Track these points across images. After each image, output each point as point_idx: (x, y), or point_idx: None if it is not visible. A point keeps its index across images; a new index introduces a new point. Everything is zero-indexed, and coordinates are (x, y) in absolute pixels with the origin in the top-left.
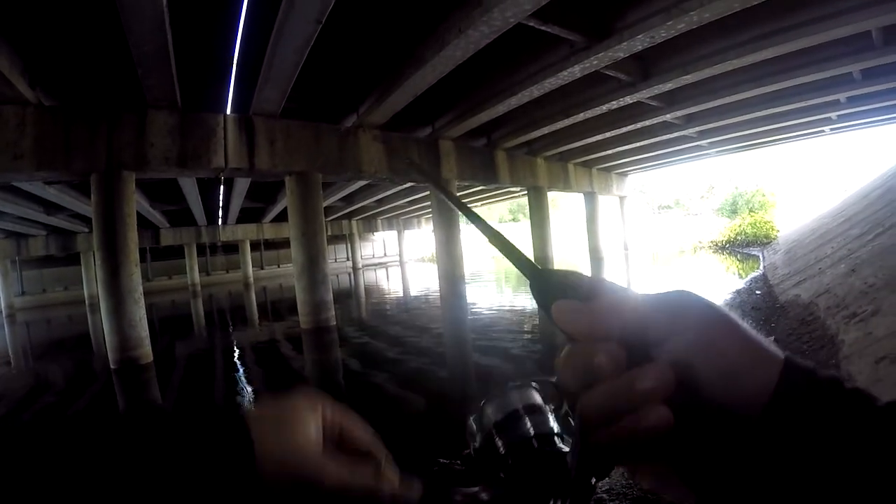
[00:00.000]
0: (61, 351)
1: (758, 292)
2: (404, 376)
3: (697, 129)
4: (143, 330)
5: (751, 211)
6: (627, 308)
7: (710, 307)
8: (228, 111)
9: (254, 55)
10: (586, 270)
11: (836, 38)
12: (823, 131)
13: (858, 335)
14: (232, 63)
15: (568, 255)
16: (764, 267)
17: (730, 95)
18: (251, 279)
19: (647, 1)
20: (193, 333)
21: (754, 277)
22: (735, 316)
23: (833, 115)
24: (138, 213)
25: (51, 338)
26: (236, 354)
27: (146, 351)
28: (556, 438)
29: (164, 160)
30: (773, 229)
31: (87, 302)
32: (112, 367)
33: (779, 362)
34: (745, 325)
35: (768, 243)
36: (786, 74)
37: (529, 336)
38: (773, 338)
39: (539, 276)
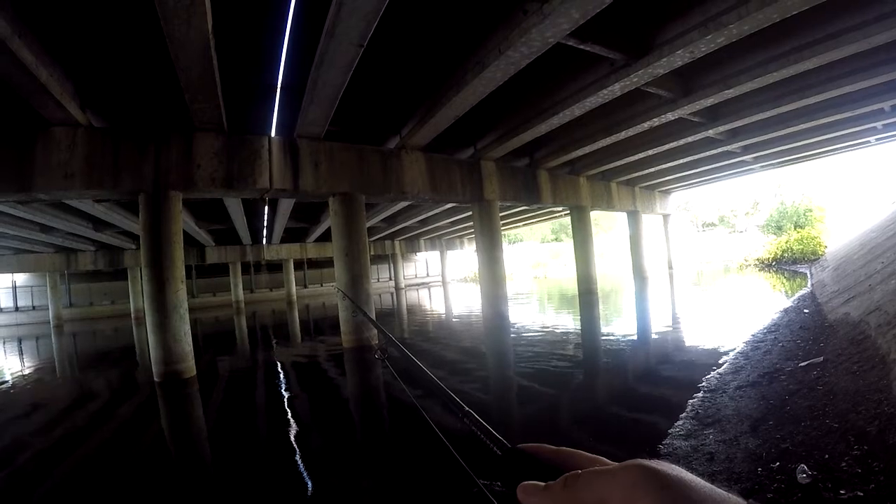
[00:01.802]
0: (106, 362)
1: (806, 311)
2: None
3: (741, 144)
4: (187, 345)
5: (797, 227)
6: (585, 485)
7: (664, 476)
8: (273, 134)
9: (297, 79)
10: (630, 290)
11: (877, 45)
12: (869, 142)
13: None
14: (276, 87)
15: (612, 275)
16: (812, 284)
17: (772, 109)
18: (294, 297)
19: (685, 16)
20: (236, 349)
21: (802, 295)
22: (691, 478)
23: (878, 124)
24: (185, 232)
25: (96, 349)
26: (278, 371)
27: (189, 365)
28: None
29: (210, 181)
30: (820, 245)
31: (132, 316)
32: (156, 379)
33: None
34: (703, 483)
35: (816, 260)
36: (828, 85)
37: (570, 359)
38: (820, 357)
39: (509, 453)
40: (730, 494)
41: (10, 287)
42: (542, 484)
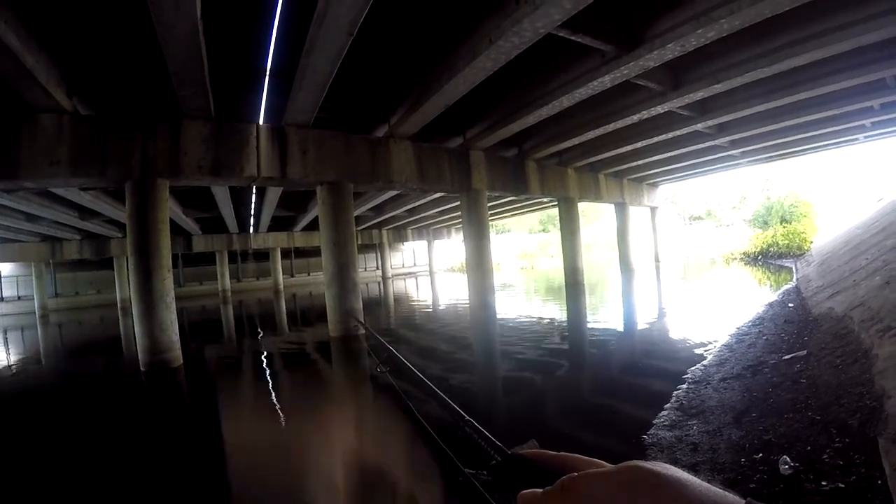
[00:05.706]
0: (92, 352)
1: (790, 305)
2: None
3: (729, 138)
4: (173, 334)
5: (783, 222)
6: (581, 487)
7: (660, 476)
8: (261, 121)
9: (287, 66)
10: (617, 282)
11: (868, 43)
12: (857, 139)
13: (893, 349)
14: (265, 74)
15: (599, 267)
16: (797, 279)
17: (762, 104)
18: (281, 286)
19: (677, 9)
20: (223, 338)
21: (787, 290)
22: (688, 477)
23: (867, 122)
24: (171, 220)
25: (82, 339)
26: (264, 360)
27: (176, 354)
28: None
29: (197, 168)
30: (805, 240)
31: (118, 305)
32: (142, 369)
33: None
34: (700, 483)
35: (801, 255)
36: (818, 81)
37: (556, 350)
38: (804, 351)
39: (508, 460)
40: (727, 493)
41: None
42: (540, 490)
